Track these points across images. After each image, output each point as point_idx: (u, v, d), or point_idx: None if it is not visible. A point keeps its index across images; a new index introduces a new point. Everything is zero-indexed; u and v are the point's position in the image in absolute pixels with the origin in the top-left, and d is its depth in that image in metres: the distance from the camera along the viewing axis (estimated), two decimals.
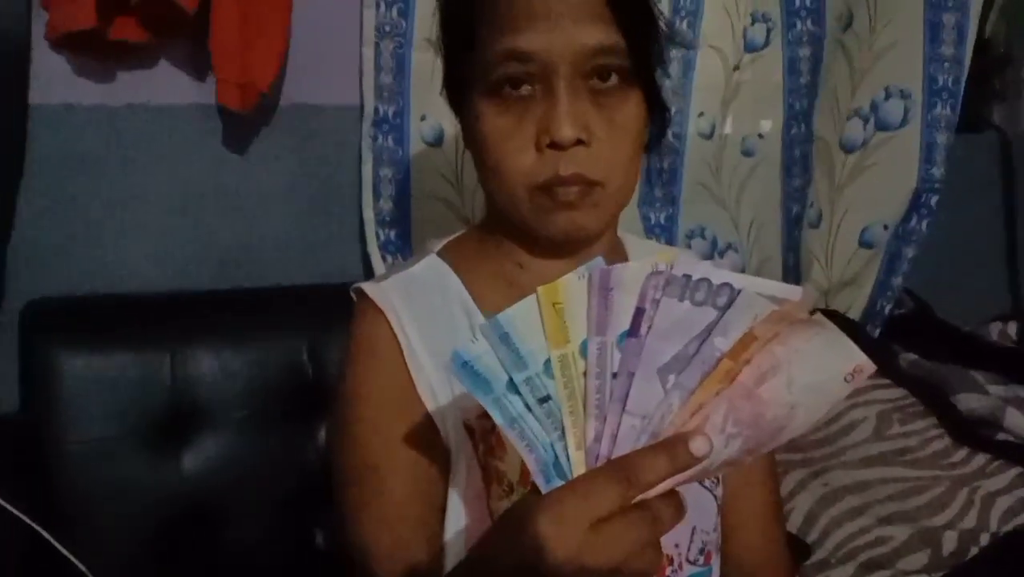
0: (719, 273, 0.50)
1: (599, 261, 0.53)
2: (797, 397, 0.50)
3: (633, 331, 0.51)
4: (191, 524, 1.13)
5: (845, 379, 0.50)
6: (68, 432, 1.10)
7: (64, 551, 0.97)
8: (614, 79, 0.71)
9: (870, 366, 0.51)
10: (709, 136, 1.45)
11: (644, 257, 0.53)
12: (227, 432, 1.17)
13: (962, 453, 1.21)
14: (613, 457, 0.50)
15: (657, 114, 0.78)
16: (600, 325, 0.51)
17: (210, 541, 1.14)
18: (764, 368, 0.49)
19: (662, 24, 0.78)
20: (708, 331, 0.50)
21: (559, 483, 0.51)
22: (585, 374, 0.51)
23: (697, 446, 0.48)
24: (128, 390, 1.13)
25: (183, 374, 1.15)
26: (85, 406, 1.11)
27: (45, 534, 0.97)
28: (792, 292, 0.51)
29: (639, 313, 0.51)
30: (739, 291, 0.50)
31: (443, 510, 0.75)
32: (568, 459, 0.51)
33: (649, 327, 0.51)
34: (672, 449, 0.49)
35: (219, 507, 1.15)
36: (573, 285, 0.52)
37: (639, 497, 0.49)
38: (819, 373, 0.50)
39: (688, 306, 0.50)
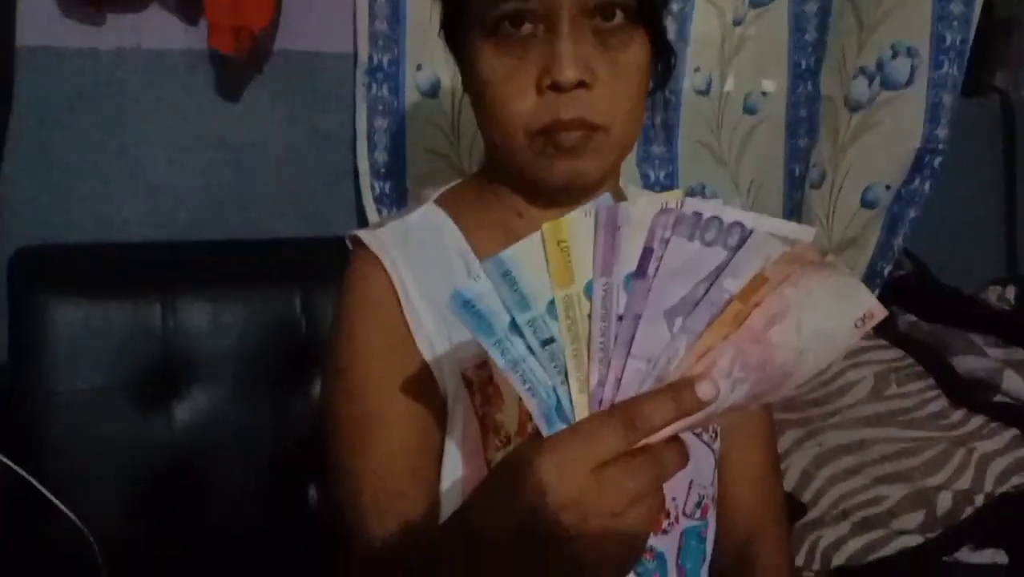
0: (731, 212, 0.49)
1: (607, 198, 0.51)
2: (806, 342, 0.48)
3: (640, 272, 0.49)
4: (181, 477, 1.12)
5: (855, 324, 0.49)
6: (57, 382, 1.08)
7: (54, 500, 0.97)
8: (619, 18, 0.69)
9: (881, 311, 0.49)
10: (706, 92, 1.42)
11: None
12: (219, 384, 1.15)
13: (959, 414, 1.21)
14: (617, 401, 0.49)
15: (662, 57, 0.76)
16: (606, 265, 0.50)
17: (200, 495, 1.13)
18: (774, 311, 0.48)
19: None
20: (718, 272, 0.48)
21: (561, 427, 0.49)
22: (590, 316, 0.50)
23: (704, 390, 0.47)
24: (118, 340, 1.11)
25: (174, 325, 1.13)
26: (74, 356, 1.09)
27: (35, 483, 0.97)
28: (805, 232, 0.49)
29: (647, 253, 0.49)
30: (751, 231, 0.48)
31: (439, 461, 0.74)
32: (571, 403, 0.50)
33: (657, 268, 0.49)
34: (678, 393, 0.47)
35: (210, 460, 1.14)
36: (579, 223, 0.50)
37: (642, 442, 0.48)
38: (829, 318, 0.49)
39: (698, 246, 0.49)
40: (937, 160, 1.44)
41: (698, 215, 0.49)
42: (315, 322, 1.19)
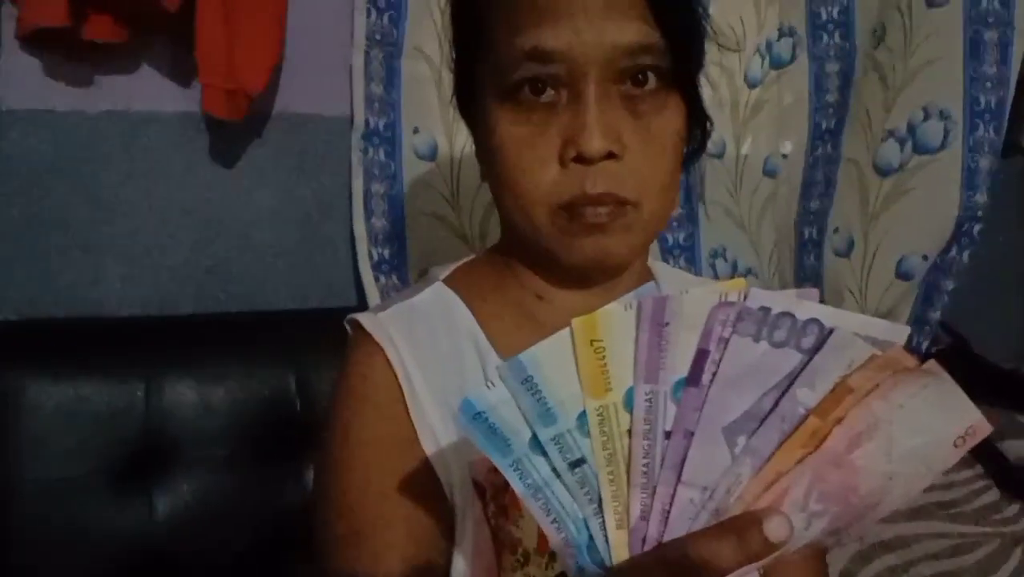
0: (805, 306, 0.40)
1: (651, 288, 0.43)
2: (897, 465, 0.40)
3: (693, 378, 0.41)
4: (162, 573, 1.04)
5: (955, 444, 0.40)
6: (28, 470, 1.02)
7: None
8: (651, 83, 0.62)
9: (985, 427, 0.41)
10: (720, 155, 1.38)
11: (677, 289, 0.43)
12: (205, 471, 1.08)
13: (1014, 508, 1.11)
14: (664, 540, 0.40)
15: (697, 125, 0.69)
16: (651, 370, 0.41)
17: None
18: (859, 428, 0.39)
19: (705, 22, 0.68)
20: (790, 380, 0.40)
21: (595, 571, 0.40)
22: (630, 432, 0.41)
23: (773, 528, 0.38)
24: (96, 424, 1.04)
25: (158, 407, 1.07)
26: (48, 441, 1.02)
27: None
28: (898, 333, 0.40)
29: (702, 355, 0.40)
30: (830, 330, 0.40)
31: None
32: (606, 541, 0.41)
33: (714, 374, 0.40)
34: (741, 532, 0.38)
35: (194, 555, 1.06)
36: (617, 318, 0.42)
37: None
38: (925, 435, 0.40)
39: (765, 347, 0.40)
40: (976, 227, 1.36)
41: (765, 309, 0.40)
42: (311, 403, 1.12)
